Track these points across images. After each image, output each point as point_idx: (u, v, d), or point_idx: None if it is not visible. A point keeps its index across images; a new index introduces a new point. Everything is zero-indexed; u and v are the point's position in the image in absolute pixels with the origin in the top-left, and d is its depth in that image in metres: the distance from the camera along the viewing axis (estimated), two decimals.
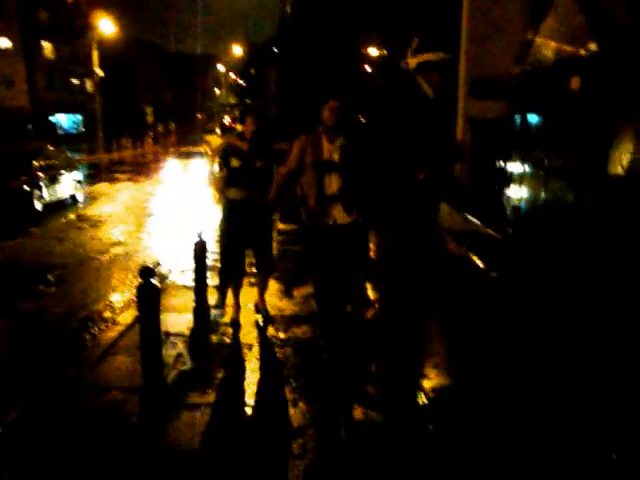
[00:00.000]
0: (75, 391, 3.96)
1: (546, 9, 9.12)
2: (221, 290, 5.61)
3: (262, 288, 5.48)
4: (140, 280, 3.34)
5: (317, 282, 4.29)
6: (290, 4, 44.52)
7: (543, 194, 8.39)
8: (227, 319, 5.36)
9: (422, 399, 3.82)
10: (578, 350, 4.41)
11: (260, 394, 3.94)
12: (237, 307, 5.35)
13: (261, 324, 5.26)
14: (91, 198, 16.10)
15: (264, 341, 4.91)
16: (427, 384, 4.03)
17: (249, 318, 5.41)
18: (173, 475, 3.00)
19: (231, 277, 5.31)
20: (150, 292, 3.32)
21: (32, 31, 45.51)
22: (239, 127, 5.41)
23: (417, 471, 3.05)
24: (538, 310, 5.47)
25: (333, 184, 4.08)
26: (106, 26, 32.22)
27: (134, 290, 5.38)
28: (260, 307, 5.47)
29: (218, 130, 50.29)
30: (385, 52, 27.84)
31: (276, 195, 4.31)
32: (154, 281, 3.39)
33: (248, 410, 3.69)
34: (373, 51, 30.73)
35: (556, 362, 4.32)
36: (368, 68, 30.99)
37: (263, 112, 5.25)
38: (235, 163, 4.99)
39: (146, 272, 3.29)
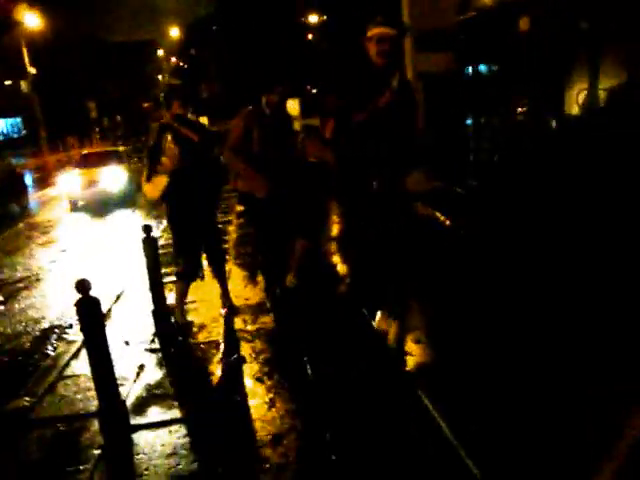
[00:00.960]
0: (26, 425, 3.56)
1: None
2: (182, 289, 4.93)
3: (223, 280, 5.11)
4: (78, 295, 2.95)
5: (259, 239, 4.97)
6: None
7: (502, 143, 8.19)
8: (190, 316, 5.02)
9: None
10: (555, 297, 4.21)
11: (228, 403, 3.60)
12: (183, 310, 4.88)
13: (225, 316, 4.93)
14: (40, 203, 15.41)
15: (231, 338, 4.57)
16: (411, 362, 3.78)
17: (213, 313, 5.07)
18: None
19: (194, 277, 4.82)
20: (90, 307, 2.94)
21: None
22: (165, 114, 4.80)
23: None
24: (509, 259, 5.28)
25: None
26: (32, 20, 30.71)
27: None
28: (224, 300, 5.10)
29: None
30: (325, 17, 27.23)
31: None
32: (93, 294, 2.99)
33: (216, 424, 3.34)
34: (313, 18, 30.05)
35: (534, 313, 4.11)
36: (310, 36, 30.35)
37: (188, 92, 4.76)
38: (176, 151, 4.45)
39: (82, 285, 2.90)
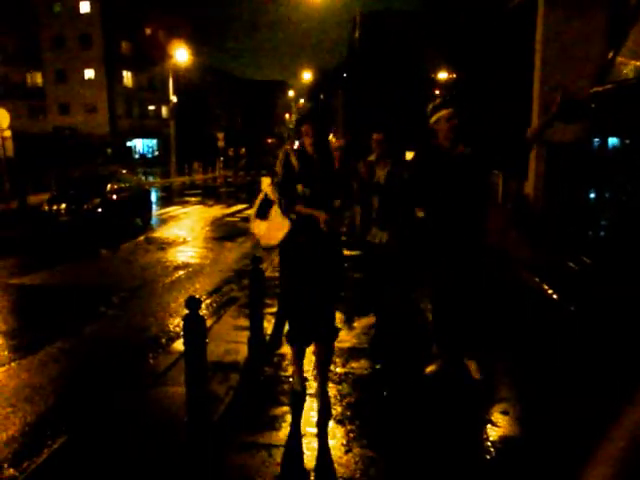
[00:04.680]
0: (120, 424, 3.82)
1: (628, 27, 8.58)
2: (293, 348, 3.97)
3: (325, 365, 4.00)
4: (186, 311, 3.17)
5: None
6: (359, 30, 44.90)
7: (628, 223, 7.77)
8: (283, 350, 5.15)
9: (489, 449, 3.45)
10: None
11: (313, 436, 3.66)
12: (301, 378, 4.02)
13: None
14: (161, 220, 16.45)
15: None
16: (494, 433, 3.65)
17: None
18: None
19: (301, 342, 3.88)
20: (196, 325, 3.15)
21: (114, 61, 48.13)
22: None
23: None
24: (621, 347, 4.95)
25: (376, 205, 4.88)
26: (181, 55, 33.53)
27: None
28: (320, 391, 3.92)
29: None
30: (455, 75, 27.40)
31: None
32: (201, 313, 3.21)
33: (299, 455, 3.41)
34: (443, 75, 30.38)
35: None
36: (438, 92, 30.60)
37: (325, 122, 3.84)
38: (300, 189, 3.58)
39: (192, 303, 3.12)
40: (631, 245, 7.51)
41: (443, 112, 4.08)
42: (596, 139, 8.93)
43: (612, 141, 8.81)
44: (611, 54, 8.89)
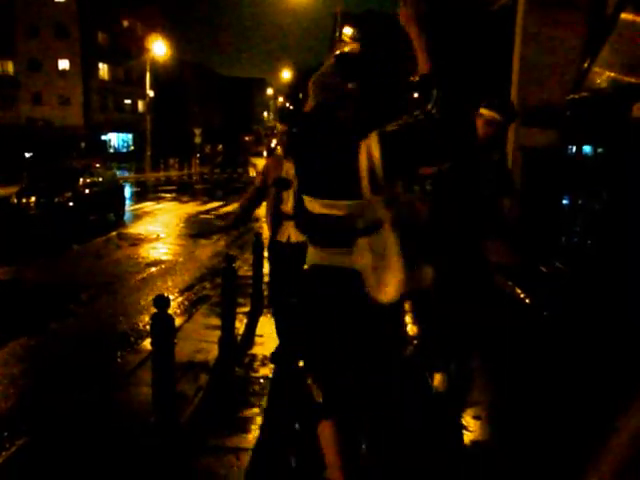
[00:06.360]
0: (84, 425, 3.70)
1: (604, 37, 8.69)
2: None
3: None
4: (154, 310, 3.08)
5: None
6: (339, 30, 44.88)
7: (599, 229, 7.87)
8: (255, 350, 5.07)
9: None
10: None
11: (284, 437, 3.59)
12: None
13: None
14: (134, 216, 16.23)
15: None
16: (466, 437, 3.62)
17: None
18: None
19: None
20: (164, 324, 3.06)
21: (90, 52, 47.36)
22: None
23: None
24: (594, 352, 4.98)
25: (289, 202, 4.18)
26: (160, 49, 33.12)
27: None
28: None
29: (265, 153, 50.94)
30: None
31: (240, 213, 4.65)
32: (171, 311, 3.11)
33: (269, 458, 3.34)
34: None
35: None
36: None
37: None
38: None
39: (160, 301, 3.02)
40: (602, 251, 7.60)
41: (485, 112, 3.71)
42: (570, 146, 9.03)
43: (586, 148, 8.93)
44: (587, 62, 8.99)
